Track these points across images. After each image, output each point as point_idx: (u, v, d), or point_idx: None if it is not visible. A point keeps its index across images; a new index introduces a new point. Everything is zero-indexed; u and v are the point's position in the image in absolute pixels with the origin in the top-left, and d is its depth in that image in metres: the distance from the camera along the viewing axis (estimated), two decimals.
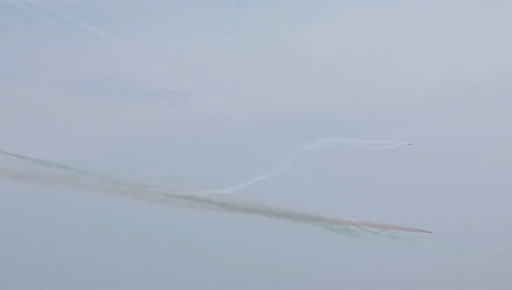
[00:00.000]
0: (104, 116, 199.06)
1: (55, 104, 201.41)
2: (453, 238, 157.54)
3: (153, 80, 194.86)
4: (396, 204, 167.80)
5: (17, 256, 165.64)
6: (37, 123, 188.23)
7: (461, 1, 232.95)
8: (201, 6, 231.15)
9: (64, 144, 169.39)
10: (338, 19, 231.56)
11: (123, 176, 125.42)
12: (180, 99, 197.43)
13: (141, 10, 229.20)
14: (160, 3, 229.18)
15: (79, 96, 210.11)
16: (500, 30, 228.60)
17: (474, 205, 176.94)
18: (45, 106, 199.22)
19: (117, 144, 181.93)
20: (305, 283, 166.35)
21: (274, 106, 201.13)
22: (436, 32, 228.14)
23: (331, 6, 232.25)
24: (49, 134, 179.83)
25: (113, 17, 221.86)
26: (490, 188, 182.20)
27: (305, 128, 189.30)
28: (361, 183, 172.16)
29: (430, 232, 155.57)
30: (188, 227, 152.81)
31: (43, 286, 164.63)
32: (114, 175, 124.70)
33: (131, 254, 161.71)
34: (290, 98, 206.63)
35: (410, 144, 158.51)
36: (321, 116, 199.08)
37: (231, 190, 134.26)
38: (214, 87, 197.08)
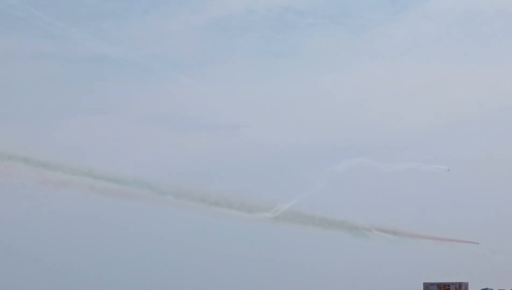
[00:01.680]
0: (174, 144, 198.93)
1: (136, 134, 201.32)
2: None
3: (213, 115, 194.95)
4: (403, 212, 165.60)
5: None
6: (122, 149, 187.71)
7: (456, 54, 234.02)
8: (249, 58, 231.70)
9: (143, 166, 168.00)
10: (357, 67, 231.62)
11: (191, 193, 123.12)
12: (234, 130, 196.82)
13: (204, 60, 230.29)
14: (218, 57, 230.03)
15: (154, 128, 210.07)
16: (486, 77, 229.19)
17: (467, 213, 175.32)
18: (128, 135, 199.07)
19: (184, 166, 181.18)
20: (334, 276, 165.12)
21: (308, 135, 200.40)
22: (437, 76, 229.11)
23: (352, 57, 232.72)
24: (131, 157, 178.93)
25: (182, 65, 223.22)
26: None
27: (333, 152, 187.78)
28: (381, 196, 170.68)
29: (477, 243, 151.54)
30: (243, 235, 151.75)
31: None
32: (183, 192, 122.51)
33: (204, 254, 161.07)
34: (320, 129, 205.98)
35: (449, 170, 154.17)
36: (344, 142, 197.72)
37: (284, 208, 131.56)
38: (260, 121, 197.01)
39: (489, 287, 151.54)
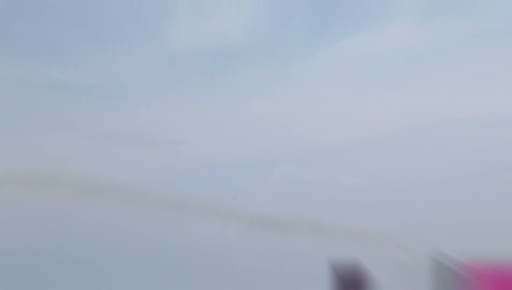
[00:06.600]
0: (120, 156, 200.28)
1: (90, 150, 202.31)
2: None
3: (157, 132, 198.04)
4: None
5: None
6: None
7: (363, 85, 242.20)
8: (188, 84, 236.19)
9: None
10: (282, 93, 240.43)
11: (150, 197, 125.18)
12: (177, 145, 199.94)
13: (146, 84, 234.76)
14: (163, 79, 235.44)
15: (104, 143, 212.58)
16: (392, 102, 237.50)
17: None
18: (82, 151, 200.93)
19: (131, 176, 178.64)
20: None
21: (242, 151, 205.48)
22: (348, 102, 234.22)
23: (277, 84, 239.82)
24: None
25: (129, 91, 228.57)
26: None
27: (264, 165, 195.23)
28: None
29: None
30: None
31: None
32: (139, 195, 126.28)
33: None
34: (252, 145, 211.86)
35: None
36: (273, 157, 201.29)
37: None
38: (200, 138, 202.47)
39: None
